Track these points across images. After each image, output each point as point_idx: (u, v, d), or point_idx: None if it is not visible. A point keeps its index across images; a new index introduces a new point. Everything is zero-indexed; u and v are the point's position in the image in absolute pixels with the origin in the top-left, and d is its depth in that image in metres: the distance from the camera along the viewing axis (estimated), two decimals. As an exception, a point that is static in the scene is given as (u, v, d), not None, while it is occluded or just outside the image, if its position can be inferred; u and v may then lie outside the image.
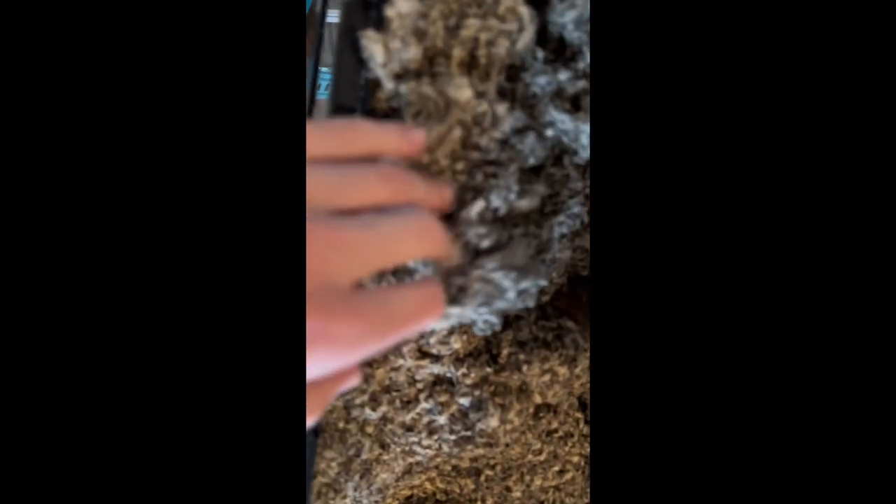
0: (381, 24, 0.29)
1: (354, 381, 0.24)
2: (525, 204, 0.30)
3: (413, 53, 0.28)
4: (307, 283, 0.20)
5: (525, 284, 0.32)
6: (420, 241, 0.23)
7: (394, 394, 0.39)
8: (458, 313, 0.31)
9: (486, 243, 0.29)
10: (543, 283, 0.35)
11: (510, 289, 0.32)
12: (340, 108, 0.31)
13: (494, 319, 0.38)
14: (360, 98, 0.30)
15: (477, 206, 0.29)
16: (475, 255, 0.29)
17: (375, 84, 0.31)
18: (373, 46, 0.28)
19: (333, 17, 0.47)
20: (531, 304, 0.34)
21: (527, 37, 0.31)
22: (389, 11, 0.29)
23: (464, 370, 0.39)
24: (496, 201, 0.28)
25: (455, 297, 0.31)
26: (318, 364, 0.20)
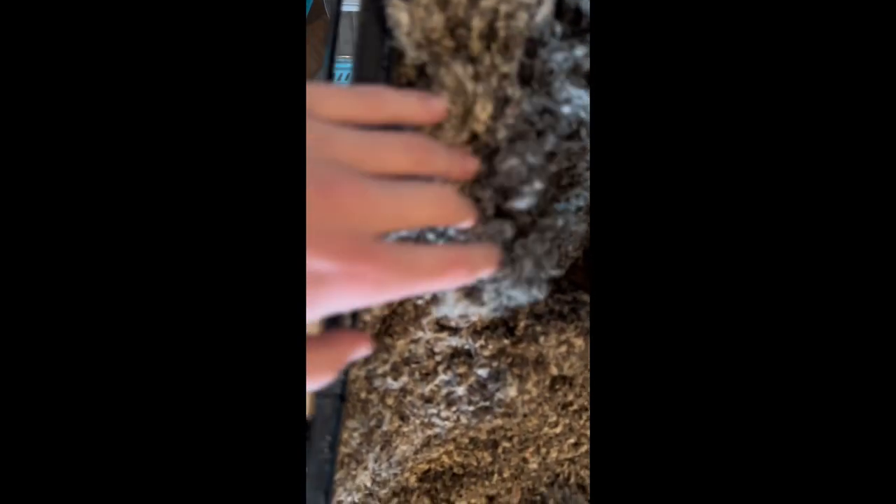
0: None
1: (366, 350, 0.25)
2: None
3: (436, 22, 0.29)
4: (330, 232, 0.21)
5: (536, 293, 0.34)
6: (435, 208, 0.25)
7: (413, 366, 0.40)
8: (473, 311, 0.33)
9: (508, 232, 0.30)
10: (555, 273, 0.36)
11: (521, 297, 0.34)
12: (364, 80, 0.32)
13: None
14: (383, 68, 0.31)
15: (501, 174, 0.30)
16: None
17: (399, 54, 0.32)
18: (399, 14, 0.29)
19: (350, 6, 0.48)
20: (542, 296, 0.35)
21: (545, 10, 0.32)
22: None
23: (482, 342, 0.40)
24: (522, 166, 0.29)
25: (470, 294, 0.33)
26: (341, 303, 0.21)
